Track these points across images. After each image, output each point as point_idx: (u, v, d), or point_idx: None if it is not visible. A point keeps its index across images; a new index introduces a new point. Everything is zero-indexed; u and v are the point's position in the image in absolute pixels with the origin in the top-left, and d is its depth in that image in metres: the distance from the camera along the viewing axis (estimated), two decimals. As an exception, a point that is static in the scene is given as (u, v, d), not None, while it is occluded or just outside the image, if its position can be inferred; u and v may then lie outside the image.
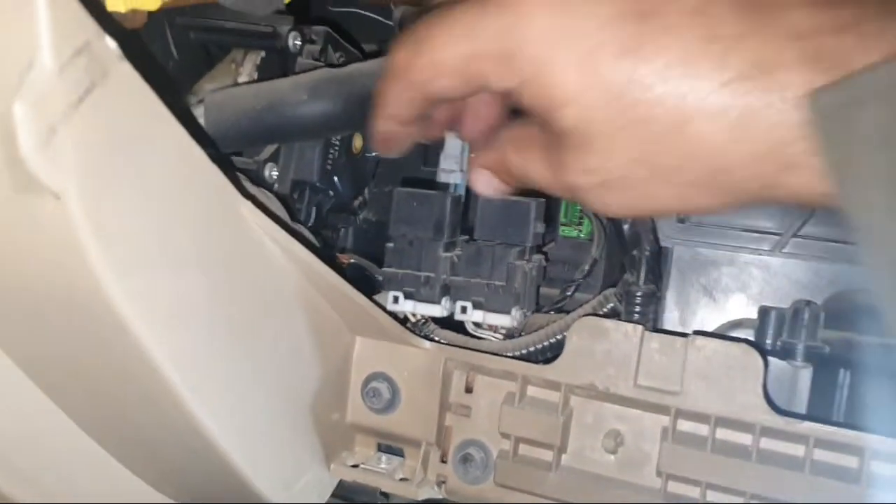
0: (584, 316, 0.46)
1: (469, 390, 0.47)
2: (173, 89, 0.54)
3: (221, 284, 0.38)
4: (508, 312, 0.48)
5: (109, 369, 0.38)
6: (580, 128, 0.34)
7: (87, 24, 0.28)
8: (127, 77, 0.30)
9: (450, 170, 0.53)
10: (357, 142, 0.58)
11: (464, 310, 0.48)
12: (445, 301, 0.49)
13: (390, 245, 0.50)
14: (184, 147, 0.34)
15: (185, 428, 0.38)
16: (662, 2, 0.32)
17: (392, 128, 0.43)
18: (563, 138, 0.35)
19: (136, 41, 0.44)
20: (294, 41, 0.55)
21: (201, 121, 0.49)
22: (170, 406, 0.37)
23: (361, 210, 0.63)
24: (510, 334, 0.51)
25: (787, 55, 0.30)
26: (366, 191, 0.62)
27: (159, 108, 0.32)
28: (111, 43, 0.29)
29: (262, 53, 0.57)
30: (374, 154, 0.60)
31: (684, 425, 0.44)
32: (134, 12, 0.41)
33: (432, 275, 0.48)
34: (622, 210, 0.37)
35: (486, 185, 0.43)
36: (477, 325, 0.51)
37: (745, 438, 0.42)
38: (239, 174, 0.48)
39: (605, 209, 0.37)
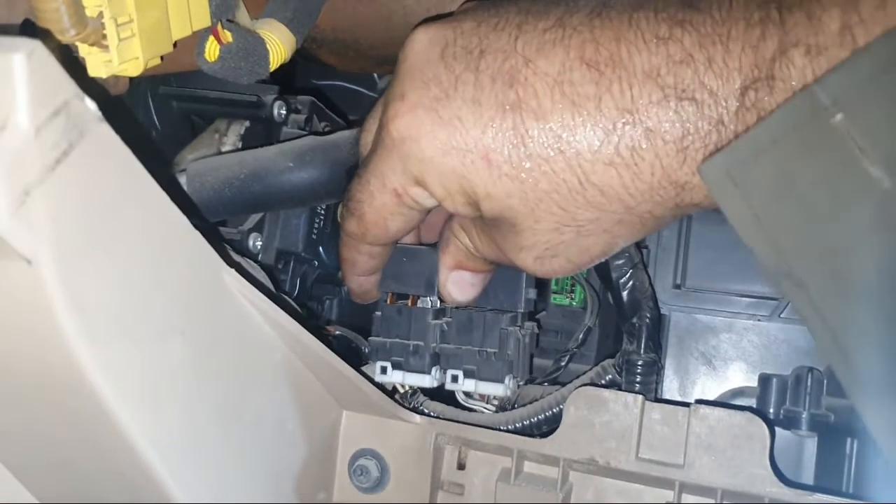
0: (581, 386, 0.44)
1: (462, 467, 0.45)
2: (157, 153, 0.53)
3: (203, 356, 0.36)
4: (501, 381, 0.46)
5: (82, 443, 0.35)
6: (504, 215, 0.38)
7: (67, 84, 0.27)
8: (106, 139, 0.29)
9: None
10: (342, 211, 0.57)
11: (455, 379, 0.47)
12: (435, 371, 0.47)
13: (377, 314, 0.48)
14: (164, 211, 0.32)
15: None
16: (525, 88, 0.36)
17: (366, 281, 0.48)
18: (494, 225, 0.40)
19: (119, 104, 0.44)
20: (279, 110, 0.54)
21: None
22: (144, 483, 0.34)
23: (347, 281, 0.61)
24: (503, 405, 0.49)
25: (645, 92, 0.34)
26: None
27: (139, 171, 0.31)
28: (90, 104, 0.28)
29: (247, 123, 0.56)
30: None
31: (689, 499, 0.42)
32: (116, 78, 0.40)
33: (421, 343, 0.47)
34: (569, 269, 0.40)
35: (459, 283, 0.46)
36: (468, 395, 0.49)
37: (753, 512, 0.40)
38: (223, 243, 0.46)
39: (554, 274, 0.41)
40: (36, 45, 0.26)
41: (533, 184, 0.37)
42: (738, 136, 0.33)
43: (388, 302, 0.49)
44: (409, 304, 0.49)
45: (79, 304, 0.29)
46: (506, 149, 0.36)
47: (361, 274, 0.48)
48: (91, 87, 0.32)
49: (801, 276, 0.33)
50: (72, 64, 0.36)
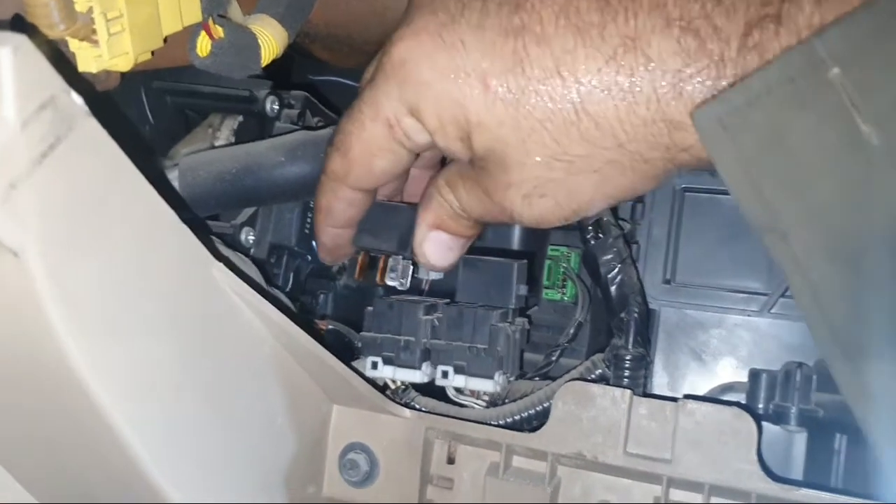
0: (570, 381, 0.44)
1: (451, 461, 0.45)
2: (145, 148, 0.54)
3: (191, 350, 0.36)
4: (491, 377, 0.46)
5: (71, 437, 0.36)
6: (493, 148, 0.37)
7: (53, 79, 0.27)
8: (93, 133, 0.29)
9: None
10: (336, 206, 0.57)
11: (445, 375, 0.47)
12: (426, 366, 0.47)
13: (369, 308, 0.48)
14: (152, 205, 0.32)
15: (149, 500, 0.35)
16: (531, 15, 0.36)
17: (339, 234, 0.46)
18: (483, 164, 0.38)
19: (106, 100, 0.44)
20: (272, 105, 0.54)
21: (176, 184, 0.48)
22: (132, 477, 0.34)
23: (340, 275, 0.61)
24: (493, 401, 0.49)
25: (650, 22, 0.34)
26: (345, 256, 0.61)
27: (127, 166, 0.31)
28: (77, 98, 0.28)
29: (240, 118, 0.56)
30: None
31: (677, 494, 0.42)
32: (107, 73, 0.40)
33: (412, 338, 0.47)
34: (556, 215, 0.39)
35: (436, 244, 0.44)
36: (458, 391, 0.49)
37: (740, 507, 0.40)
38: (214, 238, 0.46)
39: (542, 220, 0.39)
40: (22, 40, 0.26)
41: (527, 111, 0.36)
42: (736, 77, 0.33)
43: (358, 272, 0.48)
44: (379, 275, 0.48)
45: (66, 296, 0.29)
46: (504, 73, 0.36)
47: (336, 225, 0.46)
48: (78, 81, 0.32)
49: (786, 230, 0.33)
50: (60, 59, 0.36)
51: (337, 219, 0.46)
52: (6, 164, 0.26)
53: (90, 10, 0.37)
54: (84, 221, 0.29)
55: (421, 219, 0.44)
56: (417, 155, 0.42)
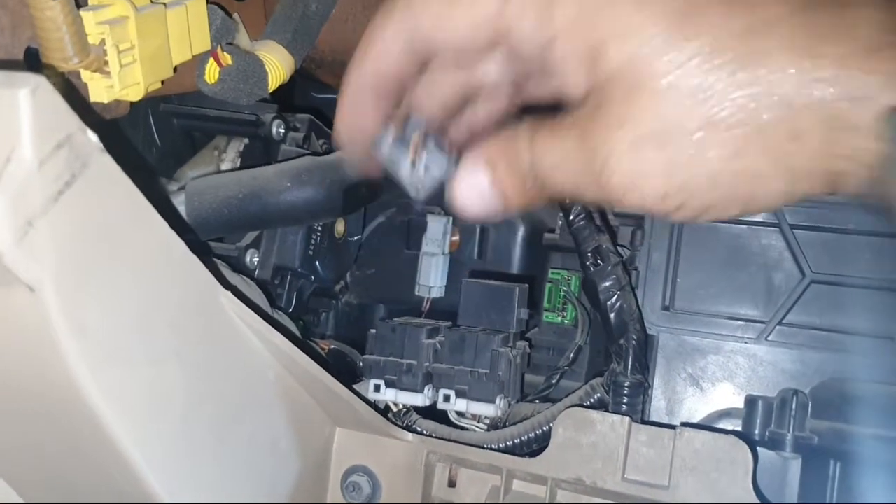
0: (569, 407, 0.45)
1: (452, 484, 0.46)
2: (154, 178, 0.54)
3: (199, 377, 0.37)
4: (493, 401, 0.47)
5: (81, 461, 0.36)
6: (631, 62, 0.30)
7: (69, 118, 0.28)
8: (107, 169, 0.30)
9: (432, 252, 0.53)
10: (339, 226, 0.58)
11: (447, 398, 0.48)
12: (428, 389, 0.48)
13: (372, 331, 0.49)
14: (163, 238, 0.33)
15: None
16: None
17: (369, 83, 0.37)
18: (600, 91, 0.31)
19: (116, 131, 0.44)
20: (277, 129, 0.55)
21: (182, 208, 0.49)
22: (139, 498, 0.35)
23: (343, 294, 0.62)
24: (494, 424, 0.50)
25: None
26: (347, 275, 0.62)
27: (139, 200, 0.31)
28: (92, 136, 0.29)
29: (246, 140, 0.57)
30: (356, 238, 0.60)
31: (674, 521, 0.42)
32: (117, 102, 0.41)
33: (414, 362, 0.48)
34: (655, 184, 0.30)
35: (474, 184, 0.35)
36: (460, 414, 0.50)
37: (735, 534, 0.41)
38: (220, 261, 0.47)
39: (634, 182, 0.30)
40: (40, 81, 0.27)
41: (693, 25, 0.29)
42: None
43: None
44: None
45: (80, 328, 0.29)
46: None
47: (372, 62, 0.36)
48: (87, 111, 0.33)
49: None
50: (71, 88, 0.37)
51: (366, 67, 0.36)
52: (23, 202, 0.27)
53: (102, 42, 0.37)
54: (98, 255, 0.30)
55: (480, 147, 0.35)
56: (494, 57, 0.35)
